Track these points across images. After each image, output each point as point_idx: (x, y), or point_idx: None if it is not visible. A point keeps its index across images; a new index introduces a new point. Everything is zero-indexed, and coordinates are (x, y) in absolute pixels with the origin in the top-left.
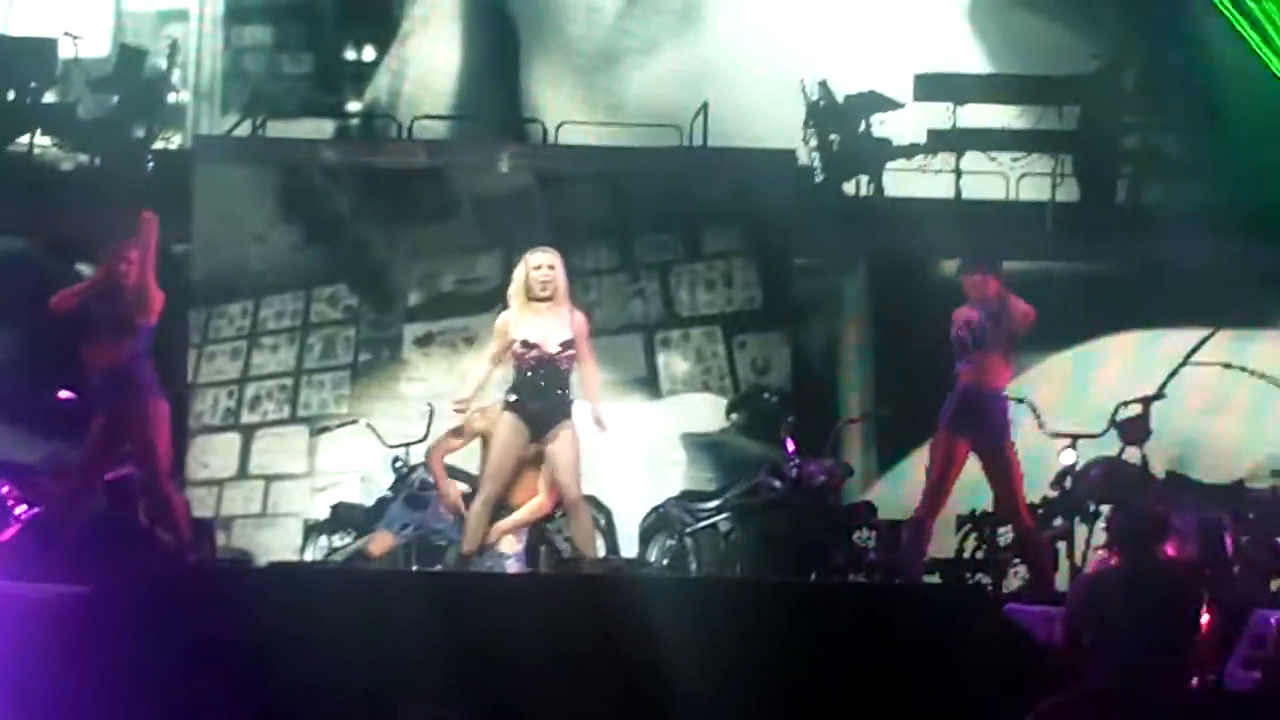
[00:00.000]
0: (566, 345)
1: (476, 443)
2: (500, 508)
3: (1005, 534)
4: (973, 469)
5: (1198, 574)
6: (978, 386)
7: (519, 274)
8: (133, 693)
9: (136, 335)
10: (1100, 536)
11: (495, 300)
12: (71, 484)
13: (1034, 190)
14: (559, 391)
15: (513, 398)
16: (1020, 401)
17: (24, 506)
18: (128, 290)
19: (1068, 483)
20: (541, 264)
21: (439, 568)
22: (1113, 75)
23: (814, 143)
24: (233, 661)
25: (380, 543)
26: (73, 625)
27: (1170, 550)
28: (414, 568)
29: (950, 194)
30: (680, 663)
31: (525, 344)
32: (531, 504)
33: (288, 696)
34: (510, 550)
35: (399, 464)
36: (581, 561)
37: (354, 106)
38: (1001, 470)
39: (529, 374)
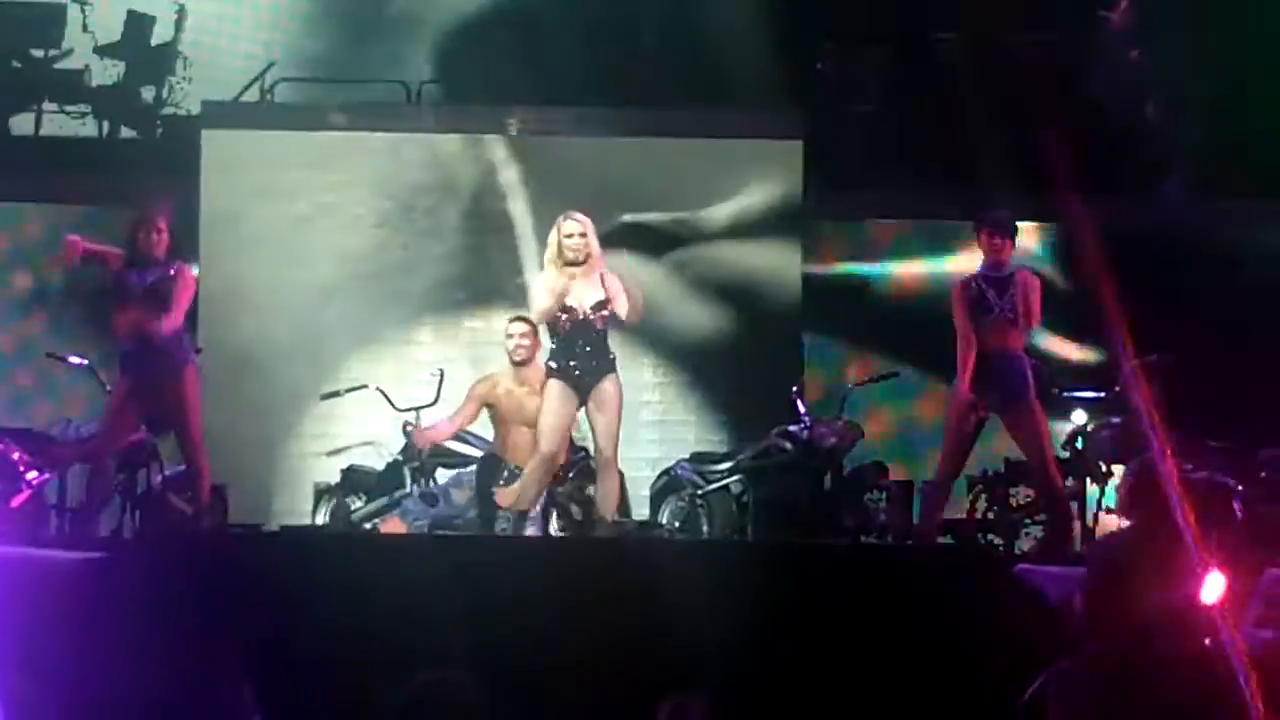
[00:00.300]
0: (599, 307)
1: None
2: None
3: (1017, 494)
4: (987, 431)
5: (1207, 535)
6: (989, 350)
7: (552, 240)
8: (145, 658)
9: (172, 304)
10: (1112, 497)
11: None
12: (93, 449)
13: None
14: (597, 353)
15: (554, 364)
16: (1033, 360)
17: (35, 473)
18: (159, 261)
19: (1079, 443)
20: (573, 231)
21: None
22: None
23: None
24: (244, 626)
25: (391, 528)
26: (85, 591)
27: (1182, 511)
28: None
29: None
30: (692, 625)
31: (562, 307)
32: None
33: (300, 660)
34: (529, 514)
35: (409, 428)
36: (593, 524)
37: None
38: (1025, 427)
39: (566, 338)
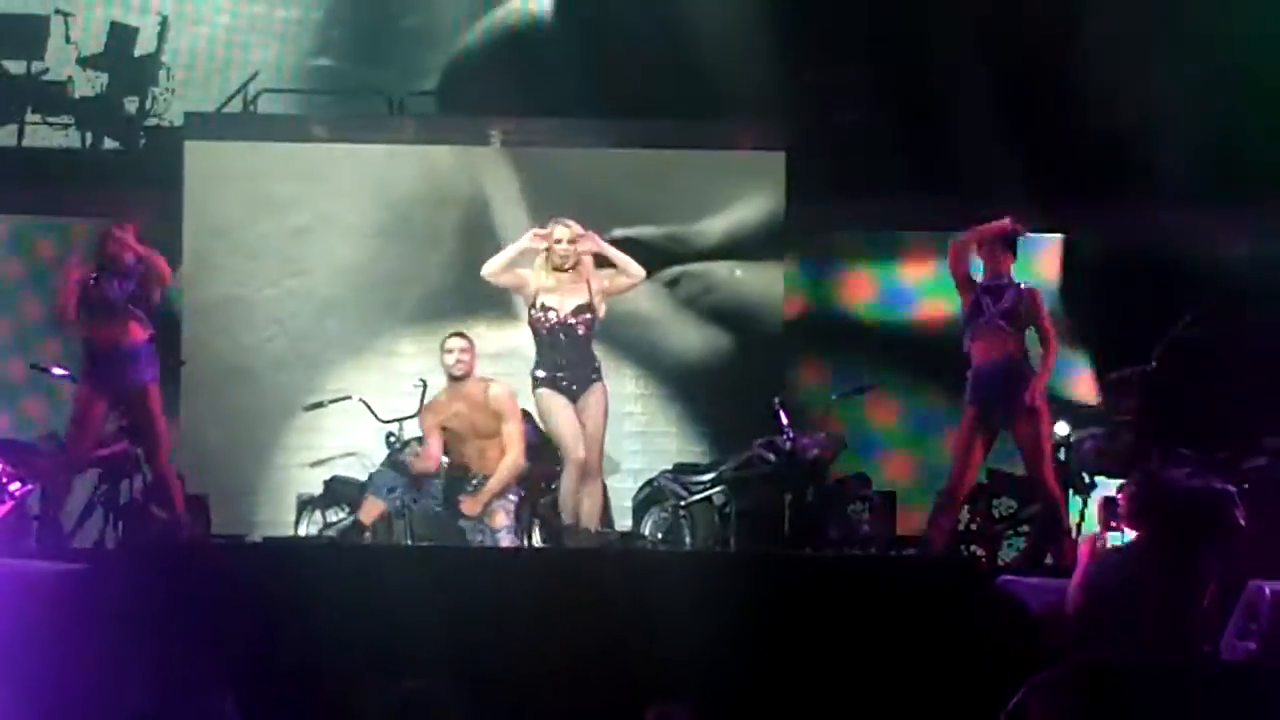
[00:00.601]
0: (581, 310)
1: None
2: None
3: (1000, 505)
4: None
5: (1210, 543)
6: (989, 360)
7: (540, 244)
8: (126, 669)
9: (147, 314)
10: (1094, 508)
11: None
12: (63, 460)
13: None
14: (582, 361)
15: (540, 373)
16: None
17: (18, 484)
18: (131, 267)
19: (1061, 454)
20: (563, 237)
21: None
22: None
23: None
24: (227, 637)
25: (370, 510)
26: (67, 602)
27: (1185, 519)
28: (409, 541)
29: None
30: (675, 636)
31: (543, 307)
32: (505, 464)
33: (283, 671)
34: (501, 524)
35: (392, 439)
36: (576, 535)
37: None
38: (1023, 433)
39: (548, 341)
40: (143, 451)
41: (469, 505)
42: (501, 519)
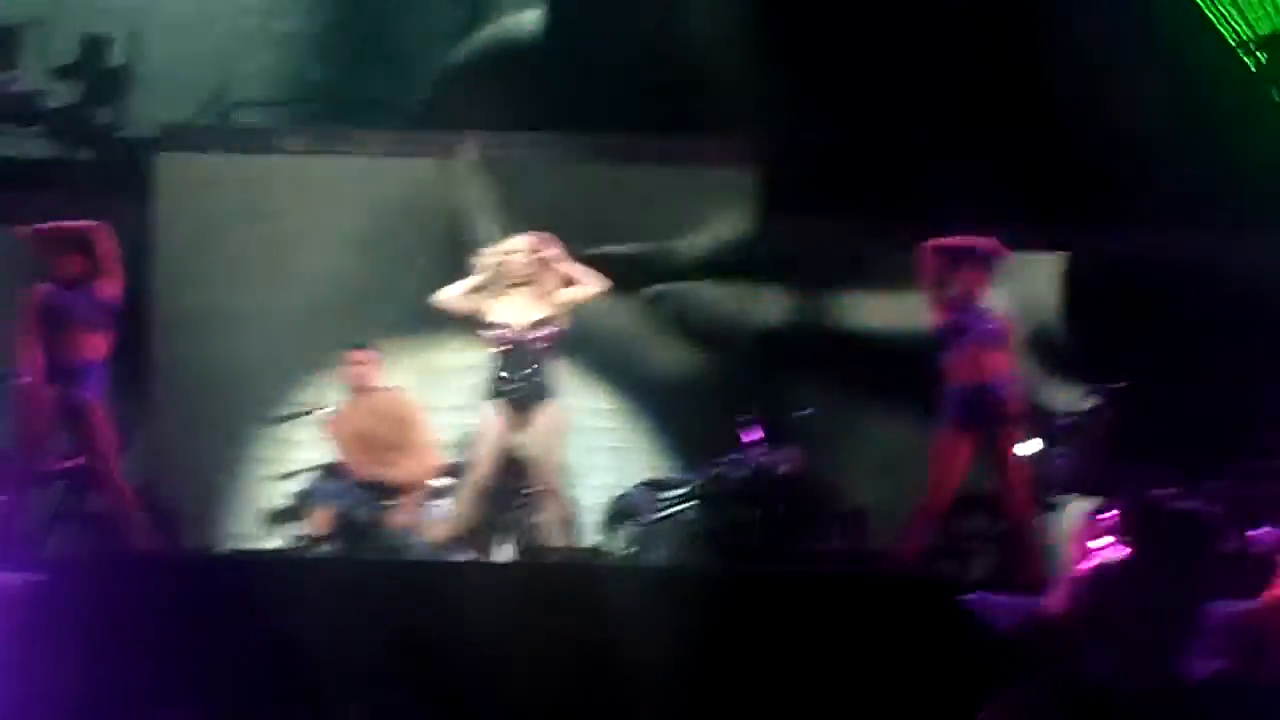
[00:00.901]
0: (538, 325)
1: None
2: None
3: (970, 523)
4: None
5: (1201, 565)
6: (972, 378)
7: (497, 257)
8: (89, 681)
9: (109, 319)
10: (1061, 527)
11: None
12: (20, 468)
13: None
14: (537, 378)
15: (493, 387)
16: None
17: None
18: (85, 278)
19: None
20: (515, 248)
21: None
22: None
23: None
24: (192, 650)
25: (320, 519)
26: (32, 612)
27: (1178, 540)
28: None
29: None
30: (640, 652)
31: (499, 326)
32: (418, 472)
33: (249, 684)
34: (443, 537)
35: None
36: (543, 550)
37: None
38: (1001, 454)
39: (501, 357)
40: (92, 467)
41: (396, 518)
42: (442, 530)
